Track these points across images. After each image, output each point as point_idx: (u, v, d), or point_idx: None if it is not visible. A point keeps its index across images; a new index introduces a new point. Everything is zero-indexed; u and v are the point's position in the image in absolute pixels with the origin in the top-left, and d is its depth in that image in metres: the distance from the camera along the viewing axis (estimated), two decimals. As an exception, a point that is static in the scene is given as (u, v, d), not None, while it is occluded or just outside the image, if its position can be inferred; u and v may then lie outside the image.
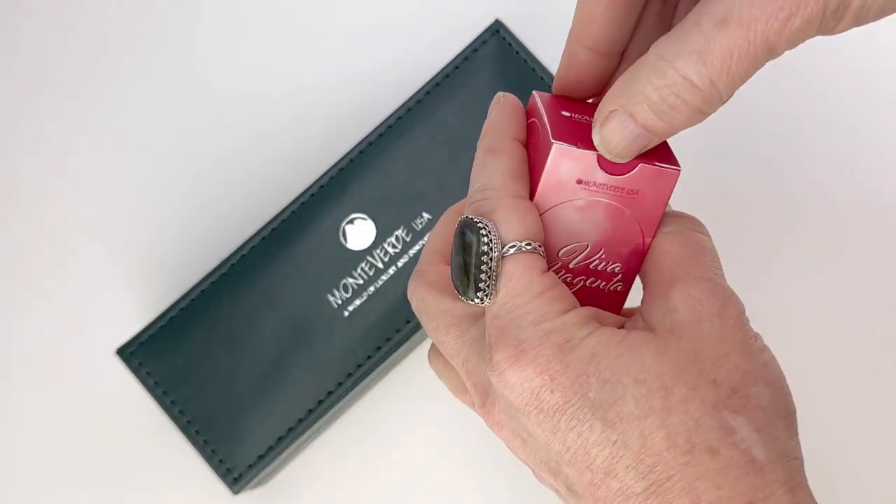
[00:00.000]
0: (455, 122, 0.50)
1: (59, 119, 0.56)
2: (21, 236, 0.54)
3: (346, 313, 0.48)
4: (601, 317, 0.30)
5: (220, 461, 0.47)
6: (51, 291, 0.54)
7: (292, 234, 0.48)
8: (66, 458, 0.52)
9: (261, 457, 0.47)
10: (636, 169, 0.31)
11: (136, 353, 0.47)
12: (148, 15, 0.57)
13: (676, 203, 0.34)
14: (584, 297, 0.32)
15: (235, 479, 0.47)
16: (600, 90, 0.34)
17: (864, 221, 0.54)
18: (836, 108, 0.55)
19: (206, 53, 0.57)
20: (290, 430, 0.47)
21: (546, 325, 0.29)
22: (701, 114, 0.28)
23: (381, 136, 0.50)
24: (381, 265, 0.48)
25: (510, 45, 0.50)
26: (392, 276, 0.48)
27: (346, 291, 0.48)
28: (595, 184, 0.31)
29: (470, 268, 0.30)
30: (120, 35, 0.57)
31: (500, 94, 0.34)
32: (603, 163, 0.31)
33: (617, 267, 0.32)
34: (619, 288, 0.33)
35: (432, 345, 0.36)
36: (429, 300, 0.34)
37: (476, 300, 0.30)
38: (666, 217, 0.32)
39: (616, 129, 0.29)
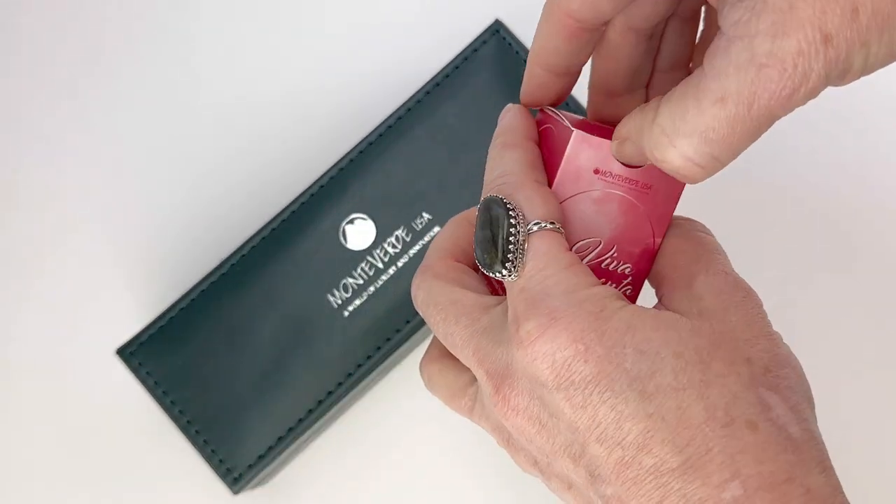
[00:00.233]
0: (455, 122, 0.50)
1: (59, 119, 0.56)
2: (21, 236, 0.54)
3: (346, 313, 0.48)
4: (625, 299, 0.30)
5: (220, 461, 0.47)
6: (51, 291, 0.54)
7: (292, 234, 0.48)
8: (66, 458, 0.52)
9: (261, 457, 0.47)
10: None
11: (136, 353, 0.47)
12: (148, 15, 0.57)
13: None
14: None
15: (235, 479, 0.47)
16: (563, 100, 0.35)
17: (860, 223, 0.54)
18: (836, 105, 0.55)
19: (206, 53, 0.57)
20: (290, 430, 0.47)
21: (580, 294, 0.28)
22: (702, 178, 0.29)
23: (381, 136, 0.50)
24: (381, 265, 0.48)
25: (510, 45, 0.50)
26: (392, 276, 0.48)
27: (346, 291, 0.48)
28: (611, 174, 0.31)
29: (498, 239, 0.29)
30: (120, 35, 0.57)
31: (510, 104, 0.35)
32: None
33: (627, 268, 0.32)
34: (628, 292, 0.33)
35: (425, 353, 0.35)
36: (437, 290, 0.33)
37: (503, 272, 0.29)
38: (673, 220, 0.33)
39: (629, 149, 0.30)
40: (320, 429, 0.50)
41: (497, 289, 0.34)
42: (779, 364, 0.28)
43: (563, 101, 0.34)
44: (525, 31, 0.52)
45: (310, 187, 0.49)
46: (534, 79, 0.33)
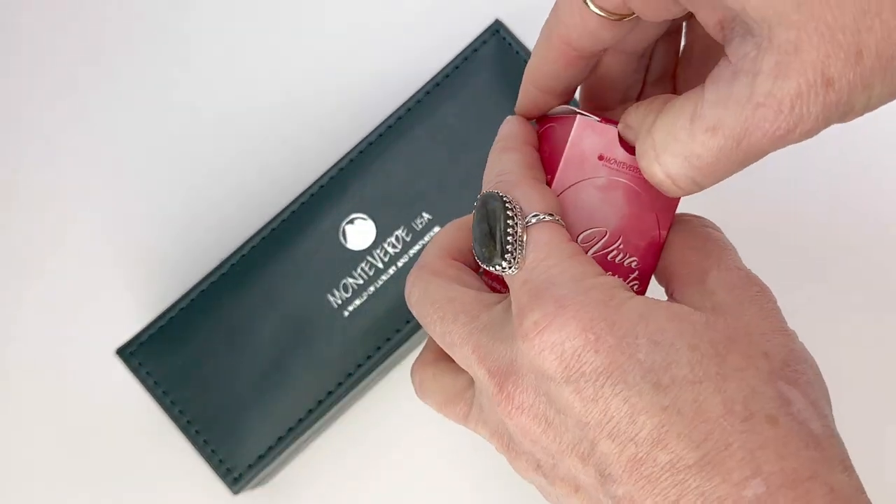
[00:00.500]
0: (455, 122, 0.50)
1: (59, 119, 0.56)
2: (21, 236, 0.54)
3: (346, 313, 0.48)
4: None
5: (220, 461, 0.47)
6: (51, 291, 0.54)
7: (292, 234, 0.48)
8: (66, 458, 0.52)
9: (261, 457, 0.47)
10: None
11: (135, 353, 0.47)
12: (148, 14, 0.57)
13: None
14: None
15: (235, 479, 0.47)
16: None
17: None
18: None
19: (207, 53, 0.57)
20: (290, 430, 0.47)
21: (587, 282, 0.27)
22: (679, 196, 0.29)
23: (381, 136, 0.50)
24: (381, 265, 0.48)
25: (510, 45, 0.50)
26: (392, 276, 0.48)
27: (346, 291, 0.48)
28: (616, 161, 0.31)
29: (496, 231, 0.29)
30: (120, 35, 0.57)
31: (510, 116, 0.34)
32: (623, 142, 0.31)
33: (634, 262, 0.32)
34: (636, 287, 0.32)
35: (418, 357, 0.34)
36: (433, 287, 0.32)
37: (503, 265, 0.29)
38: (678, 217, 0.32)
39: (632, 136, 0.30)
40: (320, 429, 0.50)
41: (498, 288, 0.33)
42: (796, 359, 0.28)
43: None
44: (525, 31, 0.52)
45: (310, 187, 0.49)
46: (529, 95, 0.33)
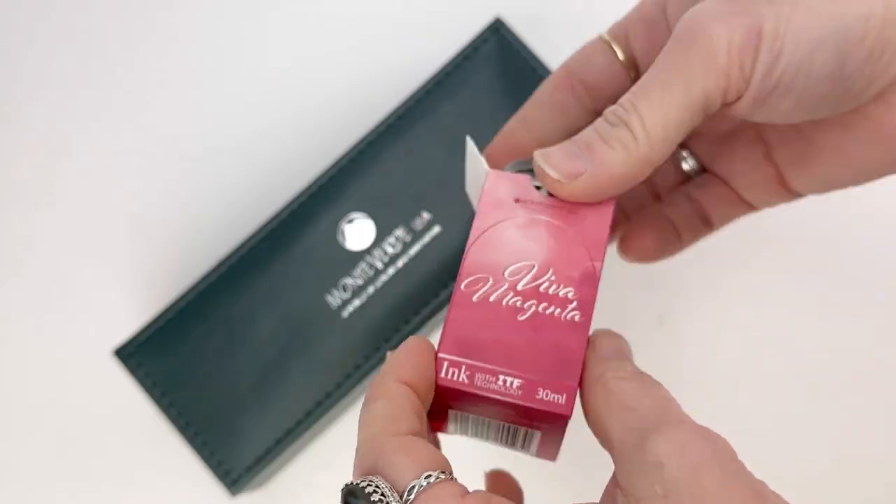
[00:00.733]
0: (455, 121, 0.49)
1: (56, 117, 0.55)
2: (21, 236, 0.54)
3: (346, 314, 0.48)
4: None
5: (219, 463, 0.46)
6: (49, 291, 0.54)
7: (291, 234, 0.48)
8: (64, 459, 0.52)
9: (259, 458, 0.46)
10: None
11: (134, 354, 0.47)
12: (145, 12, 0.57)
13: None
14: (541, 328, 0.30)
15: (234, 480, 0.46)
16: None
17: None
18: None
19: (206, 53, 0.57)
20: (289, 431, 0.47)
21: None
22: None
23: (381, 135, 0.49)
24: (380, 265, 0.48)
25: (511, 43, 0.50)
26: (391, 277, 0.48)
27: (346, 292, 0.48)
28: (532, 202, 0.32)
29: None
30: (119, 34, 0.57)
31: (410, 337, 0.31)
32: (538, 188, 0.32)
33: (570, 292, 0.31)
34: (576, 318, 0.31)
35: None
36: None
37: None
38: (590, 362, 0.30)
39: (557, 146, 0.31)
40: (319, 430, 0.49)
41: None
42: None
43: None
44: (526, 29, 0.51)
45: (309, 186, 0.49)
46: (510, 135, 0.36)
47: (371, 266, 0.48)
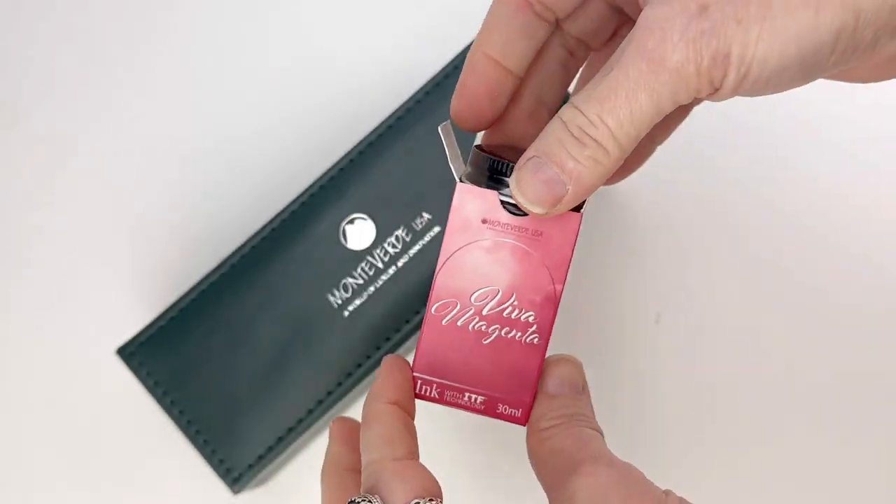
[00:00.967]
0: (455, 121, 0.50)
1: (56, 117, 0.56)
2: (21, 236, 0.54)
3: (347, 313, 0.48)
4: None
5: (220, 461, 0.47)
6: (51, 291, 0.54)
7: (292, 234, 0.48)
8: (66, 458, 0.52)
9: (261, 457, 0.47)
10: None
11: (136, 353, 0.47)
12: (145, 12, 0.57)
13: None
14: (503, 350, 0.33)
15: (235, 479, 0.47)
16: (492, 116, 0.35)
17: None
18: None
19: (207, 52, 0.57)
20: (290, 430, 0.47)
21: None
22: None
23: (381, 136, 0.50)
24: (381, 265, 0.48)
25: (510, 44, 0.50)
26: (392, 276, 0.48)
27: (347, 291, 0.48)
28: (500, 223, 0.33)
29: None
30: (120, 33, 0.57)
31: (386, 357, 0.35)
32: (505, 206, 0.33)
33: (531, 316, 0.33)
34: (535, 340, 0.33)
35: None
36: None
37: None
38: (536, 401, 0.33)
39: (529, 171, 0.30)
40: (321, 429, 0.50)
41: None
42: None
43: (493, 114, 0.35)
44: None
45: (310, 187, 0.49)
46: (473, 69, 0.34)
47: (372, 266, 0.48)
